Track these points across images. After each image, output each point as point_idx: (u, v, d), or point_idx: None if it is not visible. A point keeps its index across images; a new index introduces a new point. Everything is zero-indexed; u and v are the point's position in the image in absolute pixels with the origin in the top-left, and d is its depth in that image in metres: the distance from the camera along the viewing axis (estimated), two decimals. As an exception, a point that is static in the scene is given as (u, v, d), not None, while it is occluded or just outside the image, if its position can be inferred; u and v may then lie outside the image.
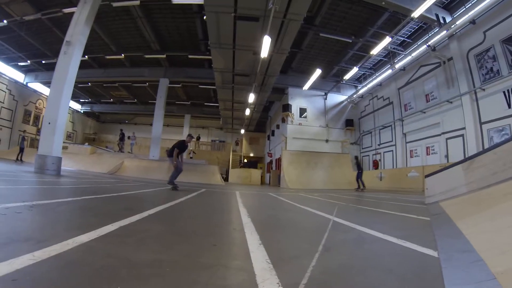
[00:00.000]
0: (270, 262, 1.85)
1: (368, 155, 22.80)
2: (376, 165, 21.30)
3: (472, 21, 13.05)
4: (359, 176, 15.54)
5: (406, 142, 18.41)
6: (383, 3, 13.23)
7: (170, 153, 9.20)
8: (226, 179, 25.57)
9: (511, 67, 11.64)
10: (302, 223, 4.22)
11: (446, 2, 13.96)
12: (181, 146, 9.14)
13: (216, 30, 13.70)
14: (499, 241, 1.91)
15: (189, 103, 32.78)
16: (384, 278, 1.72)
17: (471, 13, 12.59)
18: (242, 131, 34.78)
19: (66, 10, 15.25)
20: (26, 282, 1.25)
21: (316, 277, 1.62)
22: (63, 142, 13.23)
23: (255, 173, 26.54)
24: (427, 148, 16.49)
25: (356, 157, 17.62)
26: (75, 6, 12.52)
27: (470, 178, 4.40)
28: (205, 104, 32.50)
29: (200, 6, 14.66)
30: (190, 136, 9.53)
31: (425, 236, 2.87)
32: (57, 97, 11.34)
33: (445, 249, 2.17)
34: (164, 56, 21.21)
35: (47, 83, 24.69)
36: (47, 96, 20.94)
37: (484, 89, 12.75)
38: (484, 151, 4.47)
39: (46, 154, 10.87)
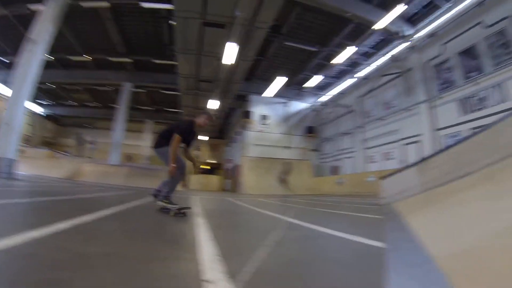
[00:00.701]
0: (219, 255, 1.88)
1: (329, 161, 23.29)
2: (336, 171, 21.79)
3: (432, 34, 13.80)
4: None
5: (366, 148, 18.94)
6: (348, 14, 13.63)
7: (162, 141, 4.64)
8: (186, 185, 25.22)
9: (465, 77, 12.41)
10: (257, 223, 4.28)
11: (409, 15, 14.55)
12: (186, 130, 4.65)
13: (184, 35, 13.73)
14: (442, 230, 2.04)
15: (153, 108, 32.11)
16: (330, 267, 1.81)
17: (432, 26, 13.47)
18: (204, 138, 34.33)
19: (33, 7, 14.55)
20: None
21: (262, 267, 1.67)
22: (20, 146, 12.61)
23: (216, 179, 26.59)
24: (386, 153, 17.06)
25: (285, 167, 18.42)
26: (43, 3, 12.07)
27: (424, 179, 4.59)
28: (169, 110, 31.87)
29: (168, 11, 14.50)
30: (206, 114, 4.96)
31: (375, 232, 2.99)
32: (16, 97, 10.88)
33: (392, 240, 2.28)
34: (130, 60, 20.77)
35: (6, 82, 23.40)
36: (4, 96, 19.85)
37: (440, 98, 13.48)
38: (438, 152, 4.69)
39: (0, 156, 10.34)
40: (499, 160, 3.16)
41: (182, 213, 4.28)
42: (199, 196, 11.23)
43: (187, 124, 4.71)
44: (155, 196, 4.76)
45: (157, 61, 20.36)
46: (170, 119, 31.83)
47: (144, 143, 31.42)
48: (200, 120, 4.85)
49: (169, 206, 4.39)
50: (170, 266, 1.62)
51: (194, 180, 26.51)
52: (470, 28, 12.31)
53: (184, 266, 1.67)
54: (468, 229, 1.86)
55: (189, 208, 4.59)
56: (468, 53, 12.39)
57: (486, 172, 3.14)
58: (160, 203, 4.50)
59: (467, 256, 1.48)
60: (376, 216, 4.51)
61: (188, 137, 4.77)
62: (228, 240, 2.67)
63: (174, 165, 4.34)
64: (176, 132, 4.43)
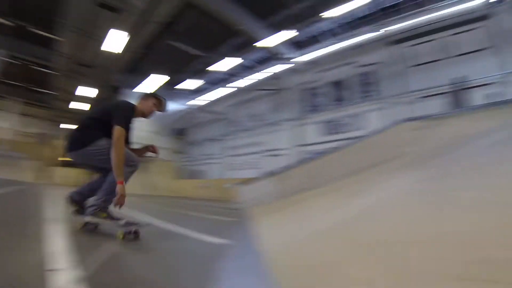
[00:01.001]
0: (69, 247, 1.94)
1: (194, 165, 23.70)
2: (200, 175, 22.21)
3: (312, 62, 15.38)
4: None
5: (232, 156, 19.88)
6: (240, 27, 14.05)
7: (86, 136, 2.79)
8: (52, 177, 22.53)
9: (331, 105, 14.52)
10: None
11: (295, 40, 15.31)
12: (130, 120, 2.98)
13: (76, 11, 12.59)
14: (282, 230, 2.50)
15: (24, 86, 27.12)
16: (175, 258, 2.01)
17: (312, 54, 15.02)
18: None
19: None
20: None
21: (110, 258, 1.79)
22: None
23: (76, 173, 24.22)
24: (251, 162, 18.18)
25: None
26: None
27: (281, 187, 4.98)
28: (42, 90, 27.35)
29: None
30: (155, 98, 3.26)
31: (225, 231, 3.29)
32: None
33: (236, 238, 2.70)
34: (11, 23, 17.25)
35: None
36: None
37: (307, 118, 15.25)
38: (296, 165, 5.12)
39: None
40: (343, 176, 3.75)
41: (135, 233, 2.64)
42: (57, 191, 10.12)
43: (130, 110, 3.01)
44: (78, 204, 2.94)
45: (41, 33, 17.42)
46: (41, 101, 27.26)
47: (6, 124, 26.72)
48: (144, 105, 3.20)
49: (109, 222, 2.71)
50: (18, 256, 1.65)
51: (58, 173, 23.58)
52: (345, 64, 14.32)
53: (32, 256, 1.70)
54: (302, 229, 2.28)
55: (148, 224, 3.20)
56: (339, 84, 14.49)
57: (333, 184, 3.67)
58: (93, 218, 2.71)
59: (290, 249, 1.90)
60: (230, 219, 4.77)
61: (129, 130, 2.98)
62: (80, 235, 2.60)
63: (122, 182, 2.71)
64: (117, 122, 2.70)
